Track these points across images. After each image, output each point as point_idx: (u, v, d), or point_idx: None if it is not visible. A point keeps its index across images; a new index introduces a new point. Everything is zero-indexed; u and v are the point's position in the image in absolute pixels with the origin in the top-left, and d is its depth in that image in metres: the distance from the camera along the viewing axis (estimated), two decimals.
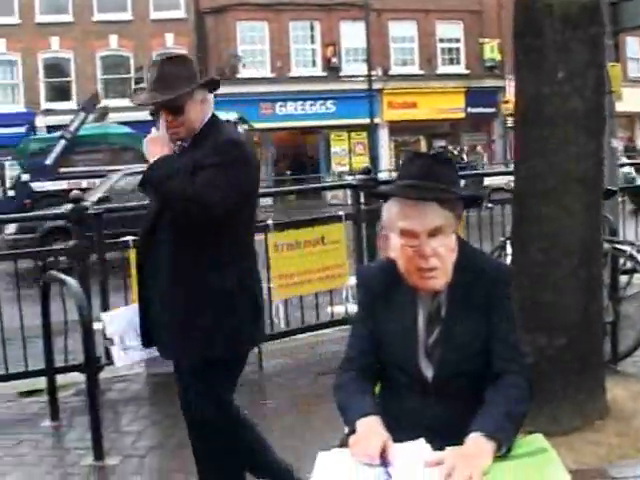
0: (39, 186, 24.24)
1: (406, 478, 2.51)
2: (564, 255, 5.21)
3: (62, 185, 23.17)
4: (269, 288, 7.60)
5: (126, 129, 27.01)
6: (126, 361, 4.97)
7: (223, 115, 21.15)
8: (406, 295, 2.92)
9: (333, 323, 8.16)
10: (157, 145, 3.88)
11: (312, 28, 38.62)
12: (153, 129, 3.99)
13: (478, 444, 2.57)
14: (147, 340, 4.18)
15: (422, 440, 2.66)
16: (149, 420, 6.31)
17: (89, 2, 36.00)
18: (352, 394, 2.90)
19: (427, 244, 2.78)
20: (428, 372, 2.88)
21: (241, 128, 27.76)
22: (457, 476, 2.45)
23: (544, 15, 5.13)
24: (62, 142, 25.46)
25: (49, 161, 25.11)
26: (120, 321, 4.73)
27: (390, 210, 2.87)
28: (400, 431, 2.73)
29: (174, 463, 5.34)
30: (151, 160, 3.83)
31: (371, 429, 2.70)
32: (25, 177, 25.20)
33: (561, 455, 4.82)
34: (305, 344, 8.00)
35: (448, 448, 2.60)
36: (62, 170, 24.78)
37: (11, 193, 26.36)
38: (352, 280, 8.06)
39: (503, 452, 2.61)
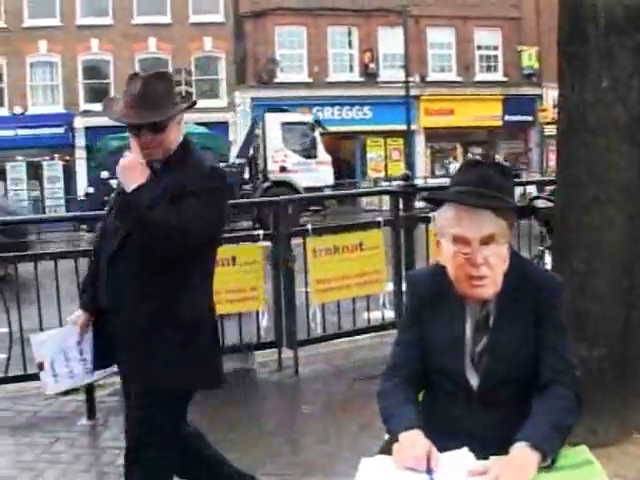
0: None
1: None
2: (605, 265, 5.16)
3: None
4: (306, 293, 7.63)
5: (204, 129, 27.90)
6: (55, 390, 4.57)
7: (299, 117, 21.44)
8: (455, 302, 2.90)
9: (370, 329, 8.16)
10: (136, 171, 3.66)
11: (350, 33, 38.62)
12: (127, 152, 3.77)
13: (523, 454, 2.56)
14: (101, 359, 4.03)
15: (465, 449, 2.65)
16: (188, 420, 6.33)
17: (129, 5, 36.28)
18: (396, 403, 2.89)
19: (479, 252, 2.77)
20: (473, 381, 2.87)
21: (317, 131, 28.28)
22: None
23: (589, 22, 5.09)
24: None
25: None
26: (51, 344, 4.29)
27: (444, 216, 2.86)
28: (443, 439, 2.73)
29: None
30: (130, 187, 3.60)
31: (414, 437, 2.70)
32: (105, 174, 25.55)
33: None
34: (341, 350, 8.00)
35: (492, 457, 2.59)
36: None
37: (90, 190, 26.82)
38: (389, 286, 8.06)
39: (548, 463, 2.60)
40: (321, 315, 7.67)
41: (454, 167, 38.53)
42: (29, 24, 35.57)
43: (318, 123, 30.12)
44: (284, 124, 29.15)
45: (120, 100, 3.82)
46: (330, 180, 29.05)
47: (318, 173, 28.13)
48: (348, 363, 7.49)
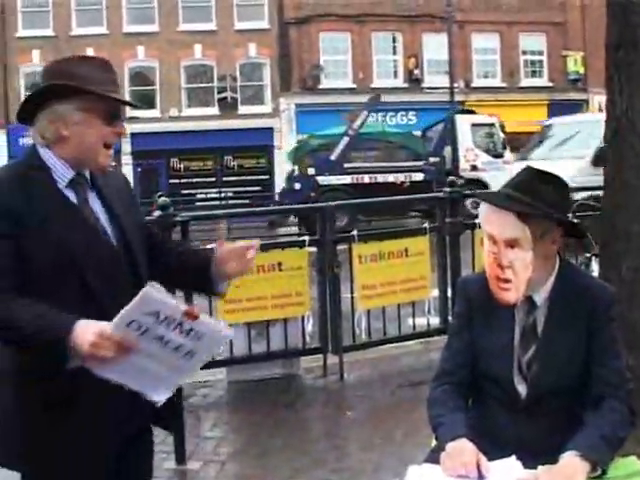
0: (324, 180, 26.44)
1: None
2: None
3: (346, 180, 26.20)
4: (352, 298, 7.65)
5: (402, 129, 30.57)
6: None
7: (485, 118, 22.22)
8: (505, 309, 2.90)
9: (415, 335, 8.16)
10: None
11: (394, 39, 38.56)
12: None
13: (573, 463, 2.56)
14: None
15: (513, 457, 2.65)
16: (230, 426, 6.38)
17: (175, 12, 36.61)
18: (445, 412, 2.89)
19: (505, 254, 2.79)
20: (521, 389, 2.86)
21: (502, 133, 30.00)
22: None
23: (638, 27, 5.05)
24: (346, 139, 27.45)
25: (334, 157, 27.25)
26: None
27: (480, 213, 2.92)
28: (490, 447, 2.73)
29: (254, 470, 5.39)
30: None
31: (462, 445, 2.70)
32: (311, 171, 27.11)
33: None
34: (386, 356, 7.99)
35: (540, 467, 2.58)
36: (345, 165, 27.02)
37: (297, 186, 27.71)
38: (435, 292, 8.05)
39: (598, 473, 2.58)
40: (366, 321, 7.67)
41: None
42: (77, 32, 36.05)
43: (502, 126, 31.06)
44: (473, 125, 30.17)
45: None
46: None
47: (504, 172, 28.57)
48: (393, 369, 7.50)
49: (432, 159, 28.64)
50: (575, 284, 2.89)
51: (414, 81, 38.13)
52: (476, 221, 8.10)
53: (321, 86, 37.17)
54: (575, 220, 2.86)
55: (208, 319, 2.58)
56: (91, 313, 2.55)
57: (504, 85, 39.17)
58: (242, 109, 36.97)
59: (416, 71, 38.07)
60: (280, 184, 33.69)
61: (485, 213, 2.88)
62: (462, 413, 2.91)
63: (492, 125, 30.55)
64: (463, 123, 29.89)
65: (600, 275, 5.59)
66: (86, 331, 2.45)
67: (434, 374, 3.09)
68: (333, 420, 6.50)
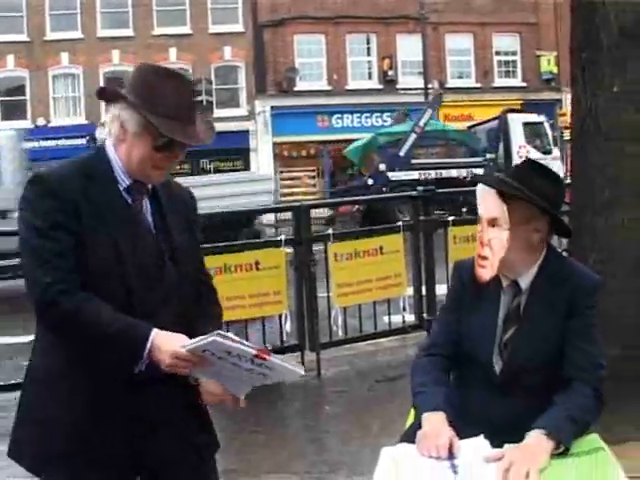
0: (394, 175, 27.59)
1: (469, 471, 2.64)
2: (619, 266, 5.27)
3: (414, 175, 27.31)
4: (328, 297, 7.79)
5: (461, 128, 32.03)
6: None
7: (534, 117, 22.81)
8: (493, 291, 3.07)
9: (391, 332, 8.31)
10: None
11: (369, 41, 38.71)
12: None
13: (538, 441, 2.69)
14: None
15: (481, 437, 2.79)
16: (214, 423, 6.48)
17: (150, 16, 36.58)
18: (427, 381, 3.05)
19: (486, 232, 2.98)
20: (498, 367, 3.02)
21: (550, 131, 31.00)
22: (514, 471, 2.57)
23: (602, 29, 5.23)
24: (413, 136, 28.30)
25: (402, 152, 28.24)
26: None
27: (477, 195, 3.10)
28: (465, 423, 2.88)
29: (237, 465, 5.49)
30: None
31: (438, 426, 2.83)
32: (382, 167, 28.00)
33: None
34: (363, 352, 8.13)
35: (507, 445, 2.72)
36: (413, 162, 28.34)
37: (370, 181, 28.33)
38: (409, 291, 8.21)
39: (561, 450, 2.72)
40: (343, 318, 7.81)
41: None
42: (51, 37, 35.97)
43: (552, 126, 32.22)
44: (525, 124, 30.81)
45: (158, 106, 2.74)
46: (561, 174, 30.50)
47: (553, 167, 29.21)
48: (369, 365, 7.62)
49: (488, 155, 29.76)
50: (560, 271, 3.05)
51: (389, 82, 38.26)
52: (449, 219, 8.31)
53: (296, 88, 37.24)
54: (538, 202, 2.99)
55: (279, 360, 2.63)
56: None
57: (478, 85, 39.42)
58: (218, 112, 36.91)
59: (390, 72, 38.20)
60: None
61: (479, 194, 3.06)
62: (443, 386, 3.05)
63: (541, 124, 31.32)
64: (515, 121, 30.76)
65: None
66: (163, 350, 2.57)
67: (423, 344, 3.30)
68: (311, 415, 6.64)
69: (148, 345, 2.59)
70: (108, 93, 2.80)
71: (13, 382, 7.46)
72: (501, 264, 2.98)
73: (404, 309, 8.14)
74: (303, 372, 2.76)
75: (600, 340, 3.08)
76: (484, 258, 2.98)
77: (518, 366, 2.98)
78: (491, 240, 2.95)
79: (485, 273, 3.00)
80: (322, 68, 38.27)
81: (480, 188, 3.07)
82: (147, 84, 2.75)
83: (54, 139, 34.49)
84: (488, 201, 2.99)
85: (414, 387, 3.08)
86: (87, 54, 35.27)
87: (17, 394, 7.24)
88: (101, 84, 35.88)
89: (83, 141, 33.93)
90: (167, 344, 2.58)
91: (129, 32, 36.42)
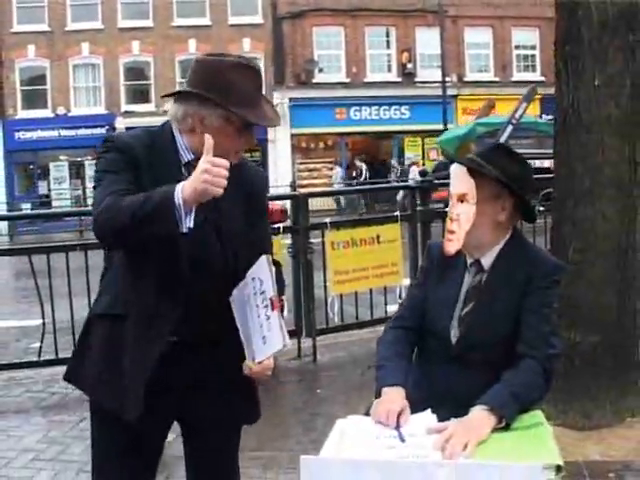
0: None
1: (412, 441, 2.78)
2: (598, 256, 5.41)
3: None
4: (325, 284, 7.94)
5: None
6: None
7: None
8: (458, 269, 3.24)
9: (386, 320, 8.40)
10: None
11: (388, 34, 38.72)
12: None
13: (480, 416, 2.82)
14: None
15: (429, 411, 2.94)
16: None
17: (169, 7, 36.78)
18: (390, 355, 3.21)
19: (454, 207, 3.13)
20: (455, 339, 3.17)
21: None
22: (453, 442, 2.70)
23: (583, 23, 5.35)
24: (510, 127, 28.20)
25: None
26: None
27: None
28: (424, 396, 3.05)
29: None
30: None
31: (394, 396, 3.00)
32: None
33: (589, 447, 5.12)
34: (359, 339, 8.27)
35: (453, 419, 2.87)
36: None
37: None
38: (406, 281, 8.33)
39: (502, 425, 2.84)
40: (339, 306, 7.96)
41: None
42: (72, 27, 36.25)
43: None
44: None
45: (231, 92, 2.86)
46: None
47: None
48: (365, 351, 7.71)
49: None
50: (520, 252, 3.19)
51: (407, 75, 38.24)
52: (447, 209, 8.41)
53: (315, 80, 37.32)
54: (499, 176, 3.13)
55: (280, 320, 2.79)
56: (174, 280, 2.85)
57: (497, 79, 39.28)
58: None
59: (409, 65, 38.17)
60: (277, 178, 33.96)
61: (452, 173, 3.21)
62: (405, 361, 3.22)
63: None
64: None
65: None
66: (195, 174, 2.62)
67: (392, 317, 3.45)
68: (303, 398, 6.79)
69: (175, 194, 2.61)
70: (183, 94, 2.93)
71: (18, 361, 7.73)
72: (467, 240, 3.12)
73: (400, 298, 8.25)
74: (287, 342, 2.84)
75: (555, 321, 3.19)
76: (452, 232, 3.12)
77: (473, 340, 3.11)
78: (459, 215, 3.09)
79: (451, 246, 3.13)
80: (341, 60, 38.28)
81: (453, 167, 3.23)
82: (217, 76, 2.85)
83: (74, 128, 34.94)
84: (458, 177, 3.14)
85: (378, 360, 3.24)
86: (107, 44, 35.52)
87: (22, 374, 7.45)
88: (121, 74, 36.24)
89: (102, 130, 34.21)
90: (194, 175, 2.63)
91: (149, 23, 36.62)
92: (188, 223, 2.65)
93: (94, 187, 2.88)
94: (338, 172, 35.71)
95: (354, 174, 36.06)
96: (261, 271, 2.81)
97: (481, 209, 3.10)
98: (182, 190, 2.61)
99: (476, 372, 3.07)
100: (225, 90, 2.82)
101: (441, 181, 9.16)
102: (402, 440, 2.79)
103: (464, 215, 3.09)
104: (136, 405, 2.86)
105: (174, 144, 2.93)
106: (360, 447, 2.75)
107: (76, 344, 3.17)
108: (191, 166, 2.82)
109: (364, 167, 36.45)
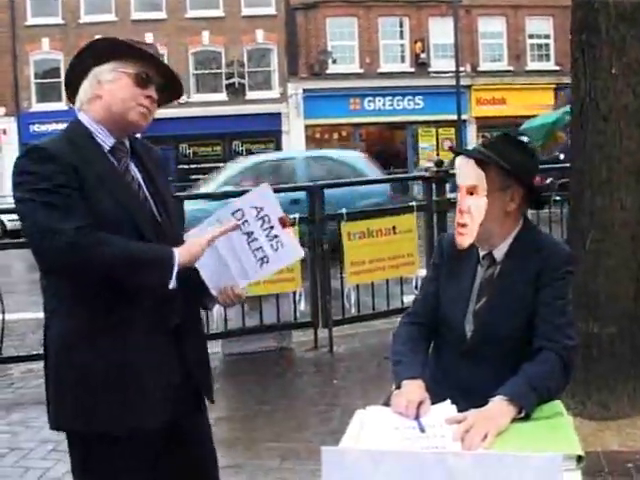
0: None
1: (432, 432, 2.78)
2: (615, 246, 5.38)
3: None
4: (341, 275, 7.95)
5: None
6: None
7: None
8: (470, 262, 3.23)
9: (402, 311, 8.40)
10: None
11: (401, 24, 38.61)
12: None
13: (500, 407, 2.81)
14: None
15: (448, 401, 2.94)
16: (221, 394, 6.65)
17: None
18: (407, 350, 3.21)
19: (465, 200, 3.12)
20: (469, 333, 3.17)
21: None
22: (473, 432, 2.69)
23: (600, 12, 5.31)
24: None
25: None
26: None
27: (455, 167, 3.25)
28: (439, 389, 3.03)
29: (239, 433, 5.68)
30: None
31: (414, 387, 3.00)
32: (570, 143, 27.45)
33: (607, 438, 5.10)
34: (375, 330, 8.30)
35: (472, 410, 2.87)
36: None
37: (561, 156, 27.28)
38: (422, 272, 8.32)
39: (522, 416, 2.83)
40: (356, 296, 7.97)
41: None
42: (86, 20, 36.30)
43: None
44: None
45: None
46: None
47: None
48: (381, 342, 7.72)
49: None
50: (532, 243, 3.16)
51: (421, 65, 38.15)
52: None
53: (328, 71, 37.27)
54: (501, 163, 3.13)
55: (292, 234, 2.96)
56: None
57: (511, 69, 39.14)
58: (250, 95, 37.15)
59: (423, 55, 38.06)
60: None
61: (458, 166, 3.20)
62: (422, 355, 3.22)
63: None
64: None
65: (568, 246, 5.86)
66: (193, 249, 2.80)
67: (405, 315, 3.45)
68: (320, 388, 6.79)
69: (175, 254, 2.75)
70: (98, 48, 2.98)
71: (36, 353, 7.75)
72: (479, 233, 3.11)
73: (416, 288, 8.25)
74: (303, 253, 3.00)
75: (570, 312, 3.16)
76: (463, 225, 3.12)
77: (488, 334, 3.10)
78: (470, 207, 3.09)
79: (464, 240, 3.13)
80: (354, 51, 38.20)
81: (458, 160, 3.22)
82: (113, 42, 2.99)
83: None
84: (466, 170, 3.13)
85: (393, 355, 3.23)
86: (120, 37, 35.38)
87: (40, 365, 7.49)
88: None
89: None
90: (196, 242, 2.82)
91: (162, 15, 36.63)
92: (174, 282, 2.75)
93: (27, 204, 2.71)
94: None
95: None
96: (259, 198, 2.92)
97: (490, 200, 3.10)
98: (179, 258, 2.75)
99: (491, 365, 3.07)
100: (119, 40, 2.98)
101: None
102: (422, 430, 2.79)
103: (475, 207, 3.09)
104: (162, 406, 2.85)
105: (89, 134, 2.89)
106: (380, 438, 2.76)
107: (49, 387, 2.90)
108: (119, 150, 2.91)
109: None
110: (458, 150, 3.31)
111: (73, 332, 2.78)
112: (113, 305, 2.75)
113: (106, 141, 2.90)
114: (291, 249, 2.96)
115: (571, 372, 3.06)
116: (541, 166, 3.68)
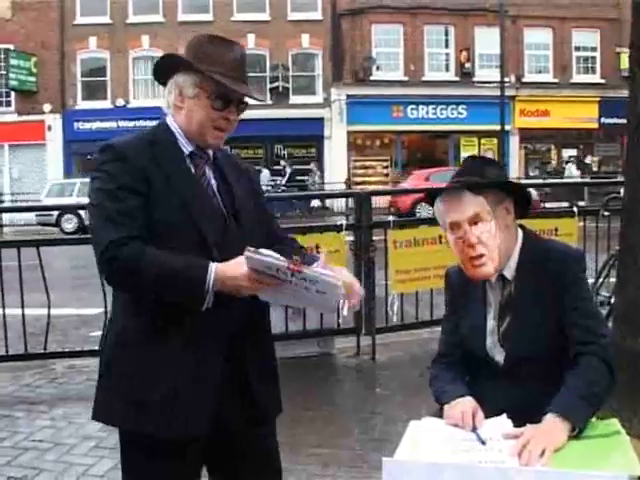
0: None
1: (491, 445, 2.77)
2: None
3: None
4: (386, 283, 7.93)
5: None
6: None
7: None
8: (479, 290, 3.21)
9: None
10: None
11: (447, 33, 38.57)
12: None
13: (554, 424, 2.78)
14: None
15: (504, 415, 2.92)
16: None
17: (229, 2, 37.05)
18: (445, 383, 3.19)
19: (471, 232, 3.05)
20: (500, 358, 3.13)
21: None
22: (532, 446, 2.67)
23: None
24: None
25: None
26: None
27: (438, 210, 3.17)
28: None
29: (282, 438, 5.52)
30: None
31: (466, 401, 3.00)
32: None
33: None
34: (418, 339, 8.28)
35: (528, 425, 2.84)
36: None
37: None
38: None
39: (577, 432, 2.79)
40: (399, 305, 7.95)
41: (550, 167, 38.34)
42: (133, 20, 36.70)
43: None
44: None
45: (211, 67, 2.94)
46: None
47: None
48: (423, 351, 7.71)
49: None
50: (538, 251, 3.13)
51: (465, 75, 38.08)
52: None
53: (372, 78, 37.30)
54: (497, 180, 3.11)
55: (315, 270, 2.67)
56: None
57: (556, 81, 38.94)
58: (294, 99, 37.27)
59: (467, 65, 38.00)
60: (331, 173, 34.00)
61: (442, 207, 3.13)
62: (461, 382, 3.19)
63: None
64: None
65: (619, 262, 5.78)
66: (230, 275, 2.67)
67: (433, 359, 3.40)
68: (362, 396, 6.79)
69: (211, 273, 2.67)
70: (162, 68, 3.02)
71: (79, 349, 7.81)
72: (501, 257, 3.08)
73: None
74: (339, 284, 2.73)
75: (597, 309, 3.16)
76: (479, 257, 3.05)
77: (520, 354, 3.07)
78: (481, 236, 3.03)
79: (485, 270, 3.07)
80: (399, 58, 38.21)
81: (439, 200, 3.14)
82: (201, 48, 2.94)
83: (132, 120, 35.20)
84: (461, 203, 3.06)
85: (435, 394, 3.22)
86: (167, 38, 35.72)
87: (83, 362, 7.50)
88: None
89: None
90: (233, 269, 2.68)
91: (209, 17, 36.84)
92: (210, 303, 2.72)
93: (92, 203, 2.80)
94: (266, 174, 34.49)
95: (281, 174, 36.23)
96: (258, 265, 2.64)
97: (495, 220, 3.08)
98: (214, 280, 2.68)
99: (528, 384, 3.04)
100: (205, 57, 2.90)
101: None
102: (482, 442, 2.78)
103: (487, 234, 3.04)
104: (209, 415, 2.83)
105: (173, 137, 2.94)
106: (438, 449, 2.74)
107: (102, 374, 2.93)
108: (195, 156, 2.93)
109: (288, 168, 36.51)
110: (435, 192, 3.20)
111: (129, 329, 2.83)
112: (163, 308, 2.76)
113: (186, 146, 2.95)
114: (329, 285, 2.71)
115: (615, 369, 3.00)
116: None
